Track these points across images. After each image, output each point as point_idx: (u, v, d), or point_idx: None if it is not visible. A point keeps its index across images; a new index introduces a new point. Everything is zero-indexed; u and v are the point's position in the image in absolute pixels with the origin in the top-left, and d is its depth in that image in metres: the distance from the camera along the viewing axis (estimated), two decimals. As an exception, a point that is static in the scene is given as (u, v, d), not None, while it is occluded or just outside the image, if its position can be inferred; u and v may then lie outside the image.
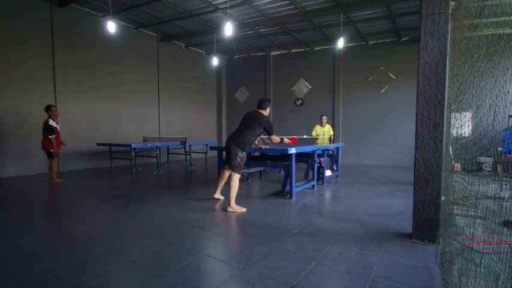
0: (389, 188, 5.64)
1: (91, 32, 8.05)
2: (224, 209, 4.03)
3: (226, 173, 4.41)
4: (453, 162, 2.39)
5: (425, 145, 2.83)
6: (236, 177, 4.04)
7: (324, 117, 7.11)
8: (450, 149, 2.58)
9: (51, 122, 5.92)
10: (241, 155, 4.04)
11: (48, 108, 5.97)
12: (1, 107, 6.60)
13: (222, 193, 4.62)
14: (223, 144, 4.49)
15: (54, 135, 5.91)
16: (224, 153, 4.44)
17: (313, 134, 7.14)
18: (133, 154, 7.05)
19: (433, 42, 2.76)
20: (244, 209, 4.02)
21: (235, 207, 3.99)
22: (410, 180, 6.18)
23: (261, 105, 4.19)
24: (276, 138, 4.25)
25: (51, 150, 5.96)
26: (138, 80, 9.53)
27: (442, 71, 2.73)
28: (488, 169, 6.10)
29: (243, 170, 5.66)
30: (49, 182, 6.03)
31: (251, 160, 5.03)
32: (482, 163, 6.21)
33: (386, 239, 2.97)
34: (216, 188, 4.57)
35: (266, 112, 4.20)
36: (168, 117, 10.62)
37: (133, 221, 3.51)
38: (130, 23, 8.90)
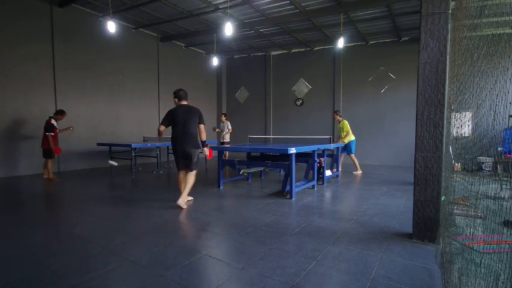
0: (389, 188, 5.64)
1: (91, 32, 8.05)
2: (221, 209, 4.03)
3: (183, 175, 4.27)
4: (453, 162, 2.39)
5: (425, 145, 2.83)
6: (194, 174, 4.18)
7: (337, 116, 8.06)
8: (450, 149, 2.58)
9: (53, 121, 6.19)
10: (198, 152, 4.17)
11: (59, 113, 6.37)
12: (1, 107, 6.60)
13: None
14: (223, 144, 4.46)
15: (52, 133, 6.12)
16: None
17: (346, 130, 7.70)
18: (133, 154, 7.06)
19: (433, 42, 2.76)
20: (191, 198, 4.36)
21: (186, 199, 4.16)
22: (410, 180, 6.18)
23: (186, 97, 4.24)
24: (204, 131, 4.23)
25: (46, 149, 6.19)
26: (138, 80, 9.53)
27: (442, 71, 2.73)
28: (488, 169, 6.10)
29: (242, 170, 5.68)
30: (44, 180, 6.20)
31: (251, 160, 5.00)
32: (482, 163, 6.20)
33: (386, 239, 2.97)
34: (181, 193, 4.22)
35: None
36: (168, 117, 10.60)
37: (133, 221, 3.51)
38: (131, 23, 8.90)
